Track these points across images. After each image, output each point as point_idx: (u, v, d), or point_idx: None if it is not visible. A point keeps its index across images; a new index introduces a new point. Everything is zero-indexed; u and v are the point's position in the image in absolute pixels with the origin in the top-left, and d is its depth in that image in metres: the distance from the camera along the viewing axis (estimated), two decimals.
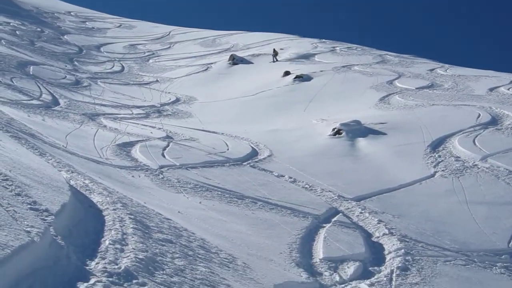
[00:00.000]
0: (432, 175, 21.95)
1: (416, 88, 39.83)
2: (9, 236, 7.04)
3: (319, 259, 14.28)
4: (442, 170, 22.27)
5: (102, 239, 9.27)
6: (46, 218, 8.49)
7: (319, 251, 14.76)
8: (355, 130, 27.70)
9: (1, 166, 10.23)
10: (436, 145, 25.18)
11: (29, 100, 30.95)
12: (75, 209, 10.32)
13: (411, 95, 37.37)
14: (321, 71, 47.97)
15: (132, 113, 34.17)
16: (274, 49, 56.97)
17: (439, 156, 23.75)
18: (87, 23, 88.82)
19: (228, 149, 24.90)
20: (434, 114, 30.68)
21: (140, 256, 8.78)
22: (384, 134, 27.40)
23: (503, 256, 15.50)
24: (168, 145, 24.18)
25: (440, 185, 21.01)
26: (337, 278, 13.31)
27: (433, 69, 48.59)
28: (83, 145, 21.80)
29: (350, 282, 13.24)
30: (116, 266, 8.10)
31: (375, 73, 46.35)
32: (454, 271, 14.61)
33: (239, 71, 53.56)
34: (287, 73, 47.92)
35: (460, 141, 25.19)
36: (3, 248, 6.63)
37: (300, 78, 45.64)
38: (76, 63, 54.16)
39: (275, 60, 55.02)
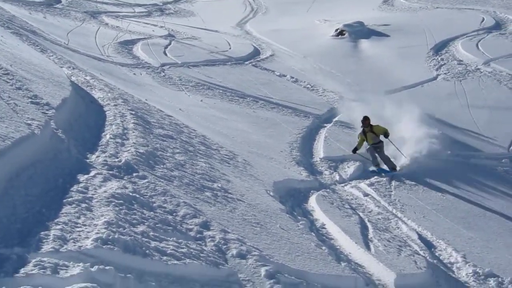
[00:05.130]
0: (435, 78, 21.91)
1: None
2: (10, 128, 7.08)
3: (320, 158, 14.42)
4: (445, 73, 22.18)
5: (103, 134, 9.34)
6: (47, 112, 8.53)
7: (319, 150, 14.88)
8: (358, 32, 27.45)
9: (2, 61, 10.22)
10: (439, 48, 24.98)
11: None
12: (76, 104, 10.36)
13: None
14: None
15: (134, 11, 33.79)
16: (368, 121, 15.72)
17: (442, 59, 23.61)
18: None
19: (230, 48, 24.76)
20: (437, 17, 30.25)
21: (141, 150, 8.86)
22: (387, 36, 27.17)
23: (503, 160, 15.48)
24: (170, 44, 24.08)
25: (443, 88, 20.96)
26: (337, 177, 13.44)
27: None
28: (84, 43, 21.73)
29: (350, 182, 13.34)
30: (116, 160, 8.18)
31: None
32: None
33: None
34: None
35: (463, 45, 24.92)
36: (3, 139, 6.67)
37: None
38: None
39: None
